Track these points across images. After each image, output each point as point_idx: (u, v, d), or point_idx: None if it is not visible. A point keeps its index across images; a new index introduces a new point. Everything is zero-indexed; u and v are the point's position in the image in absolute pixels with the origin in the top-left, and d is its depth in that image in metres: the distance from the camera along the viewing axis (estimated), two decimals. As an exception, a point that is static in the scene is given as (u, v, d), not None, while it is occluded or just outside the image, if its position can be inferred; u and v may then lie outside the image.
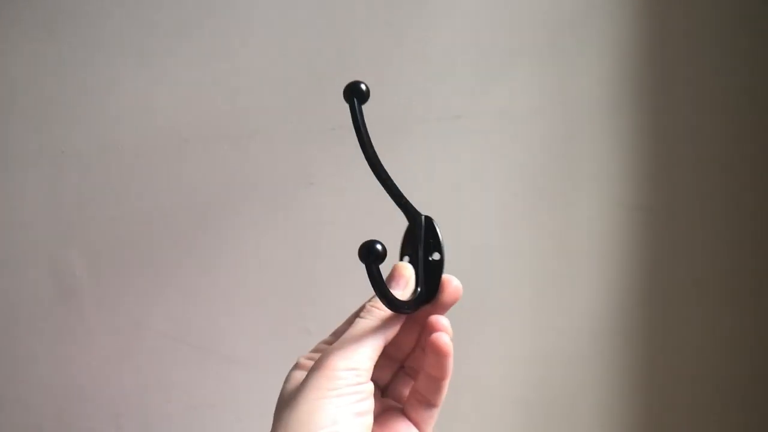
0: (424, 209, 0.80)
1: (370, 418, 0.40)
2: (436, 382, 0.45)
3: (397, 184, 0.47)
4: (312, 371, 0.40)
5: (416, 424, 0.46)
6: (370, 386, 0.41)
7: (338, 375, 0.39)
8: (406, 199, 0.47)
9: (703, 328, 0.77)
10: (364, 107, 0.46)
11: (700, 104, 0.76)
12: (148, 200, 0.83)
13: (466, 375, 0.82)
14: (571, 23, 0.78)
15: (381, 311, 0.43)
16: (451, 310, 0.79)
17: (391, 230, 0.79)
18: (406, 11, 0.79)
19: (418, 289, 0.45)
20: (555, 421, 0.81)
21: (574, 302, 0.80)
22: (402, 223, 0.79)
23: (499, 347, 0.81)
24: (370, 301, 0.44)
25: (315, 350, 0.45)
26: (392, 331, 0.43)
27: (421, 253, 0.46)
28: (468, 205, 0.80)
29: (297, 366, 0.44)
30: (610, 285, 0.79)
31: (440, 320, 0.45)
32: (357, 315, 0.44)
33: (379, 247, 0.39)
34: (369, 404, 0.40)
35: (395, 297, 0.42)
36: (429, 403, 0.46)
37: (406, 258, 0.46)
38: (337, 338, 0.43)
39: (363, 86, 0.44)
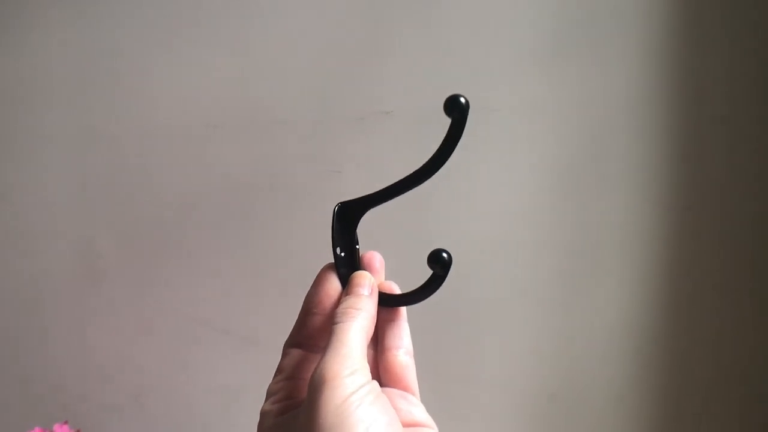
0: (454, 199, 0.80)
1: (393, 411, 0.40)
2: (396, 326, 0.46)
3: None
4: (316, 388, 0.38)
5: (403, 387, 0.45)
6: (375, 383, 0.41)
7: (345, 382, 0.38)
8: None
9: (728, 331, 0.77)
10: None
11: (734, 102, 0.75)
12: (177, 184, 0.84)
13: (488, 368, 0.82)
14: (605, 18, 0.77)
15: (359, 310, 0.43)
16: (476, 302, 0.80)
17: (418, 217, 0.80)
18: (441, 3, 0.79)
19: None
20: (575, 417, 0.81)
21: (598, 299, 0.79)
22: (429, 213, 0.79)
23: (522, 342, 0.81)
24: (342, 305, 0.44)
25: (272, 393, 0.45)
26: (372, 325, 0.44)
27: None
28: (497, 198, 0.79)
29: (266, 414, 0.43)
30: (635, 284, 0.78)
31: (374, 255, 0.47)
32: (329, 323, 0.44)
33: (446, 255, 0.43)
34: (385, 399, 0.40)
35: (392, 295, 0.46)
36: (406, 353, 0.46)
37: (338, 249, 0.46)
38: (283, 375, 0.44)
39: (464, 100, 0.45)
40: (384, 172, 0.80)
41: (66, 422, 0.77)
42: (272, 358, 0.85)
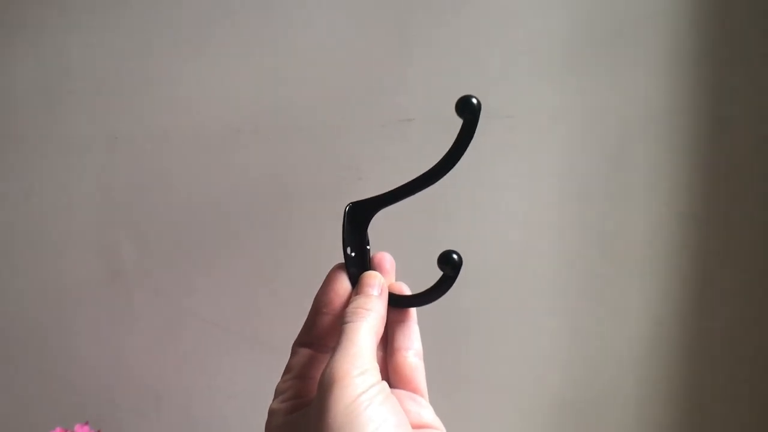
0: (470, 207, 0.80)
1: (402, 412, 0.40)
2: (406, 327, 0.46)
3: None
4: (326, 387, 0.38)
5: (412, 389, 0.45)
6: (385, 383, 0.41)
7: (355, 382, 0.38)
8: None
9: (753, 342, 0.75)
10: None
11: (757, 111, 0.74)
12: (198, 188, 0.85)
13: (499, 372, 0.81)
14: (628, 26, 0.76)
15: (368, 311, 0.43)
16: (499, 308, 0.80)
17: (431, 221, 0.80)
18: (463, 10, 0.79)
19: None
20: (589, 426, 0.80)
21: (616, 308, 0.78)
22: (442, 216, 0.79)
23: (540, 348, 0.80)
24: (352, 305, 0.44)
25: (280, 391, 0.45)
26: (381, 326, 0.44)
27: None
28: (517, 206, 0.79)
29: (275, 412, 0.43)
30: (655, 293, 0.77)
31: (384, 255, 0.47)
32: (341, 322, 0.44)
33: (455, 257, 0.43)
34: (395, 399, 0.40)
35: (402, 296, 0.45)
36: (415, 354, 0.46)
37: (348, 249, 0.47)
38: (292, 374, 0.45)
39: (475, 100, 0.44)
40: (405, 179, 0.80)
41: (87, 423, 0.78)
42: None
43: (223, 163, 0.84)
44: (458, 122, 0.79)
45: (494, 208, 0.80)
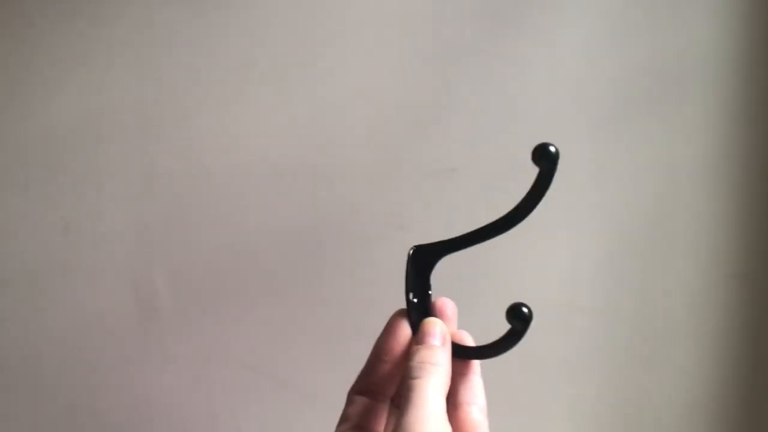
0: (513, 260, 0.79)
1: None
2: (468, 380, 0.44)
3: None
4: None
5: None
6: None
7: None
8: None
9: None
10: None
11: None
12: (235, 229, 0.84)
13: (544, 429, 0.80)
14: (677, 80, 0.76)
15: (435, 366, 0.41)
16: (542, 363, 0.78)
17: (483, 281, 0.79)
18: (508, 59, 0.79)
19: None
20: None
21: (664, 369, 0.76)
22: (498, 275, 0.78)
23: (582, 405, 0.78)
24: (417, 358, 0.42)
25: None
26: (448, 381, 0.42)
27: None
28: (561, 262, 0.78)
29: None
30: (703, 353, 0.75)
31: (446, 302, 0.46)
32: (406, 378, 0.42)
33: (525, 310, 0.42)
34: None
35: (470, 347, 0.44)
36: (479, 410, 0.44)
37: (411, 294, 0.45)
38: (350, 424, 0.44)
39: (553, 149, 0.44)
40: (447, 229, 0.79)
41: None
42: (326, 411, 0.84)
43: (262, 205, 0.84)
44: (502, 172, 0.78)
45: (538, 264, 0.78)
